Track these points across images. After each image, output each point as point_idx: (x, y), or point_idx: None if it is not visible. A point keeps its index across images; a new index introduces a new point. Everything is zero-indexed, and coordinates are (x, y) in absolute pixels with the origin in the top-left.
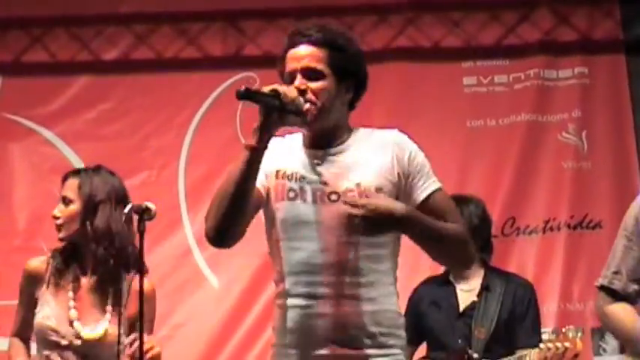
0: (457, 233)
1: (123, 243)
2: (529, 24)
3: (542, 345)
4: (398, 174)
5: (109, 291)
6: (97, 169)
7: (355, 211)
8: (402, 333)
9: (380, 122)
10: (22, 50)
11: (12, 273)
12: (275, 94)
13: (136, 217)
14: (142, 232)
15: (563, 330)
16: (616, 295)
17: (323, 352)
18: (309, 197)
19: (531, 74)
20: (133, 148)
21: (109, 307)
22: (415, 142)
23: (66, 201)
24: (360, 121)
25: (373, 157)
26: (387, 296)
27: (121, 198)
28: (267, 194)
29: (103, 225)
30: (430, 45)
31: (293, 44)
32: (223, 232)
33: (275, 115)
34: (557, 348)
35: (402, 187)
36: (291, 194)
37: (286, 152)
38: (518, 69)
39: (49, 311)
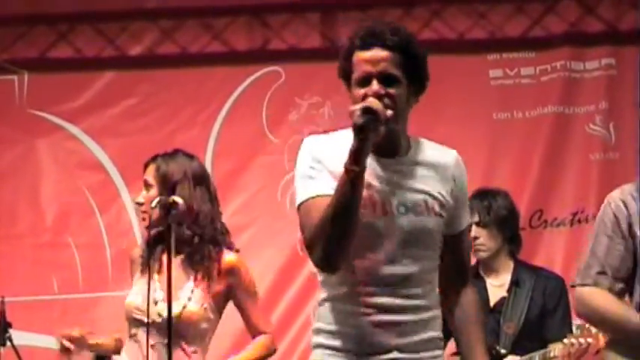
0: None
1: (207, 220)
2: (555, 15)
3: (566, 340)
4: (452, 196)
5: (194, 269)
6: (174, 152)
7: None
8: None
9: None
10: (47, 46)
11: (40, 269)
12: (372, 113)
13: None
14: (169, 226)
15: (587, 325)
16: None
17: (384, 357)
18: (378, 208)
19: (558, 66)
20: (159, 143)
21: (189, 284)
22: (443, 134)
23: (147, 185)
24: None
25: (436, 174)
26: (438, 303)
27: (199, 177)
28: None
29: (183, 205)
30: (455, 37)
31: (365, 46)
32: (337, 259)
33: (372, 134)
34: (580, 344)
35: (451, 209)
36: (363, 202)
37: (345, 153)
38: (545, 61)
39: (137, 290)
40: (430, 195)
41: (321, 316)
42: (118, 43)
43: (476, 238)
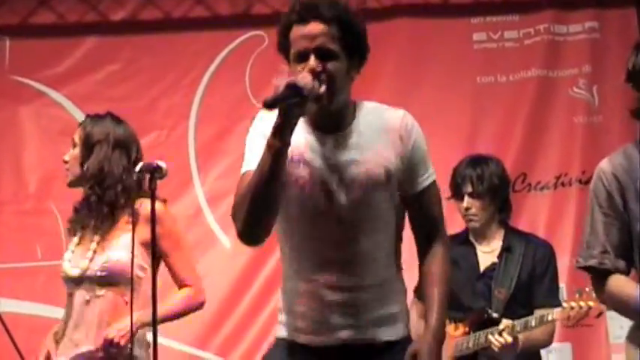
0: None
1: (112, 182)
2: None
3: (564, 304)
4: (401, 158)
5: (101, 229)
6: (104, 115)
7: None
8: (406, 306)
9: (389, 80)
10: (29, 12)
11: (24, 236)
12: (295, 89)
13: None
14: (153, 191)
15: (587, 289)
16: (607, 275)
17: (337, 336)
18: (316, 186)
19: (541, 29)
20: (142, 108)
21: (92, 245)
22: (427, 99)
23: (73, 144)
24: (370, 79)
25: (381, 140)
26: (396, 277)
27: (121, 142)
28: None
29: (95, 165)
30: (439, 1)
31: (301, 19)
32: (259, 233)
33: (297, 109)
34: (580, 307)
35: (403, 171)
36: (300, 181)
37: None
38: (528, 24)
39: (65, 255)
40: (373, 164)
41: (281, 293)
42: (101, 9)
43: (468, 208)
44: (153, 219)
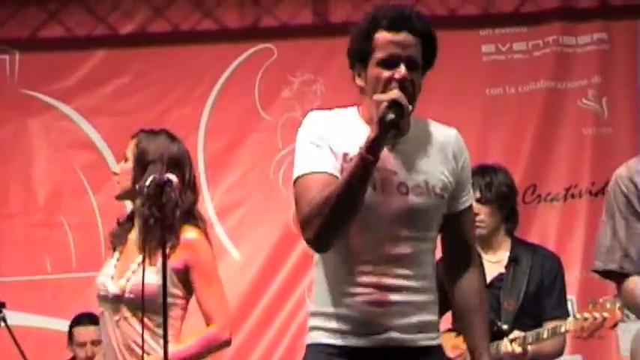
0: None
1: (169, 205)
2: None
3: (578, 315)
4: (453, 175)
5: (145, 248)
6: (159, 132)
7: None
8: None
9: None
10: (38, 26)
11: (33, 249)
12: (399, 107)
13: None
14: (162, 205)
15: (601, 300)
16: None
17: (382, 337)
18: (378, 186)
19: (550, 41)
20: (151, 121)
21: (132, 266)
22: (435, 111)
23: (125, 158)
24: None
25: (437, 154)
26: (434, 286)
27: (175, 161)
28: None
29: (152, 186)
30: (447, 13)
31: (394, 27)
32: (334, 240)
33: (396, 126)
34: (594, 318)
35: (452, 189)
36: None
37: (349, 133)
38: (537, 36)
39: (104, 269)
40: (431, 175)
41: (316, 297)
42: (110, 22)
43: (475, 214)
44: (163, 236)
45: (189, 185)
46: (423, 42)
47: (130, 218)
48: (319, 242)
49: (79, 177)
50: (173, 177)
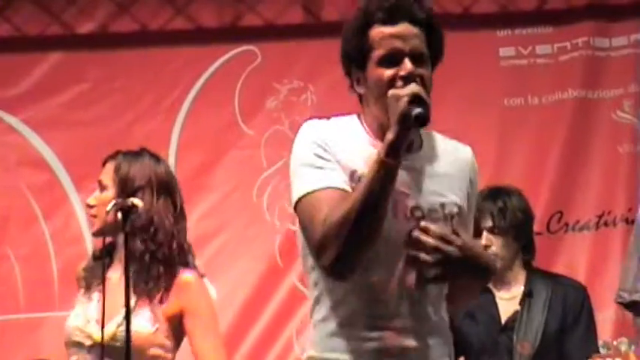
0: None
1: (165, 237)
2: None
3: None
4: (467, 198)
5: (138, 289)
6: (140, 152)
7: (446, 247)
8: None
9: None
10: None
11: None
12: (421, 100)
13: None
14: (127, 234)
15: (615, 343)
16: None
17: None
18: (390, 210)
19: (579, 43)
20: (115, 136)
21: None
22: (446, 123)
23: (101, 186)
24: None
25: (453, 174)
26: (447, 324)
27: (165, 186)
28: None
29: (143, 216)
30: (460, 11)
31: (391, 20)
32: (355, 264)
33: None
34: None
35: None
36: None
37: (354, 147)
38: (564, 37)
39: (78, 310)
40: (447, 198)
41: (315, 341)
42: (65, 19)
43: (487, 246)
44: (126, 262)
45: (182, 213)
46: (427, 31)
47: (109, 252)
48: (342, 267)
49: (29, 200)
50: (138, 201)
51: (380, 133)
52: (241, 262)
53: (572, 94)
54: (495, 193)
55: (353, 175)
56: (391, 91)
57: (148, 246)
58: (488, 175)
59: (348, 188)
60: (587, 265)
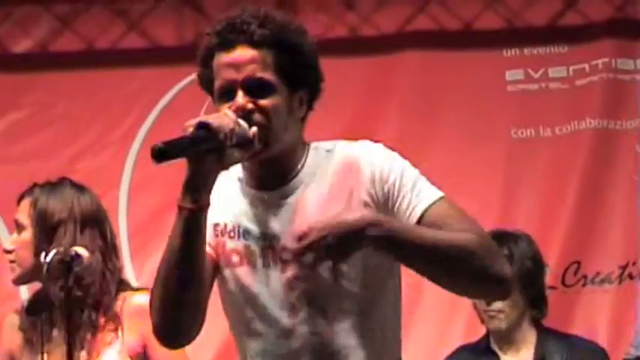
0: (473, 240)
1: (93, 277)
2: None
3: None
4: (379, 198)
5: (79, 340)
6: (59, 182)
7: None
8: None
9: (394, 131)
10: None
11: None
12: (206, 130)
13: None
14: (69, 289)
15: None
16: None
17: None
18: (258, 260)
19: (599, 65)
20: (55, 172)
21: (82, 355)
22: (442, 158)
23: (18, 227)
24: (371, 129)
25: (344, 191)
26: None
27: (89, 217)
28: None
29: (65, 255)
30: (459, 27)
31: (226, 44)
32: (175, 331)
33: (212, 158)
34: None
35: (391, 208)
36: (235, 258)
37: (222, 196)
38: (582, 58)
39: None
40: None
41: None
42: None
43: (490, 302)
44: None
45: (113, 249)
46: (275, 50)
47: (43, 304)
48: (161, 334)
49: None
50: (83, 251)
51: (246, 175)
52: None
53: (591, 124)
54: (500, 238)
55: (215, 228)
56: (185, 123)
57: (73, 292)
58: (492, 218)
59: (208, 249)
60: (609, 324)
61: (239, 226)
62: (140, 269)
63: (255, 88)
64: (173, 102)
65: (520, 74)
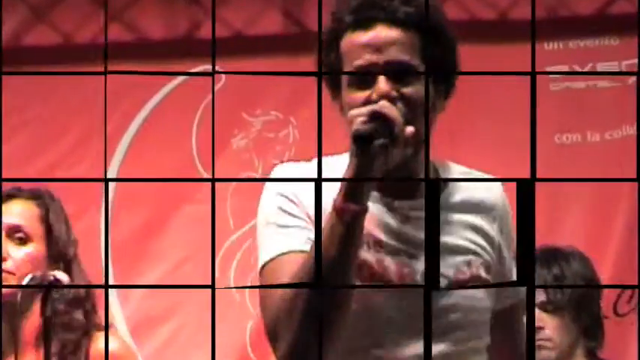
0: None
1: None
2: None
3: None
4: (497, 252)
5: None
6: (36, 191)
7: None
8: None
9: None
10: None
11: None
12: (385, 122)
13: None
14: (48, 318)
15: None
16: None
17: None
18: (394, 277)
19: None
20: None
21: None
22: (474, 167)
23: (17, 235)
24: None
25: (480, 221)
26: None
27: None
28: None
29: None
30: (494, 17)
31: (363, 23)
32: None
33: (381, 155)
34: None
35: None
36: (365, 273)
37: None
38: (635, 52)
39: None
40: (474, 254)
41: None
42: None
43: (539, 328)
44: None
45: (77, 263)
46: (419, 33)
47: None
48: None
49: None
50: (62, 275)
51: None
52: (198, 355)
53: None
54: (550, 256)
55: None
56: (350, 112)
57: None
58: (536, 235)
59: None
60: None
61: (370, 236)
62: (125, 296)
63: (398, 73)
64: (162, 105)
65: (564, 70)
